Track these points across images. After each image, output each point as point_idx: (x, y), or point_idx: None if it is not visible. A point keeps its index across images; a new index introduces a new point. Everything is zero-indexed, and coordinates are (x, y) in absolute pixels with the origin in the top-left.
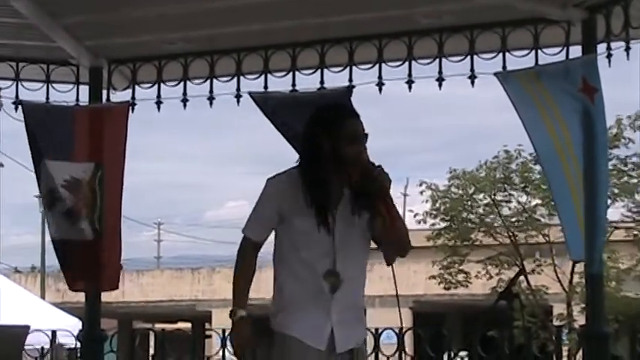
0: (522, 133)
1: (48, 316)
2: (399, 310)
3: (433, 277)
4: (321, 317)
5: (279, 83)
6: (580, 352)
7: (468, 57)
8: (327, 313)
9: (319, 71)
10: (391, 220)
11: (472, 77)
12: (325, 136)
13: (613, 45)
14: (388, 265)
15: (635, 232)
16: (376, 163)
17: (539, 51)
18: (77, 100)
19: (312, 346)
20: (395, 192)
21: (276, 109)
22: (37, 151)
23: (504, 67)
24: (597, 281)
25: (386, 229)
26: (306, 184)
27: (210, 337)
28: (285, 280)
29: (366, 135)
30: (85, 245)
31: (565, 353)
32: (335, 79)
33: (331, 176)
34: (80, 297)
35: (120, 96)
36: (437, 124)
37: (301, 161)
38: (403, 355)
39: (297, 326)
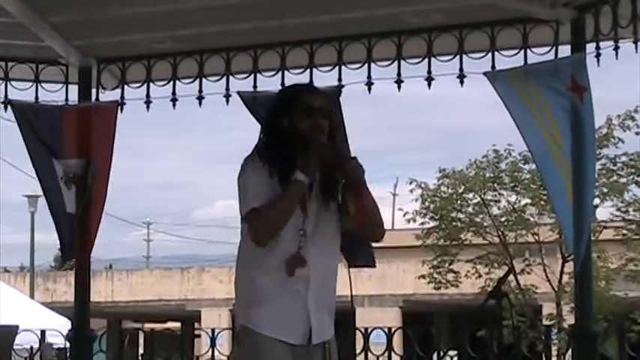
0: (512, 133)
1: (37, 316)
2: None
3: (423, 276)
4: (298, 305)
5: (269, 83)
6: (569, 352)
7: (457, 56)
8: (303, 300)
9: (308, 71)
10: (358, 214)
11: (461, 77)
12: (283, 112)
13: (602, 44)
14: (349, 266)
15: (624, 232)
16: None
17: (528, 50)
18: (66, 99)
19: (288, 341)
20: (384, 191)
21: (264, 108)
22: (32, 149)
23: (493, 66)
24: (586, 280)
25: (351, 220)
26: (268, 158)
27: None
28: (256, 269)
29: (326, 110)
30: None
31: (554, 352)
32: (324, 78)
33: (296, 154)
34: (69, 297)
35: (109, 95)
36: (426, 123)
37: (262, 141)
38: (392, 354)
39: (271, 322)
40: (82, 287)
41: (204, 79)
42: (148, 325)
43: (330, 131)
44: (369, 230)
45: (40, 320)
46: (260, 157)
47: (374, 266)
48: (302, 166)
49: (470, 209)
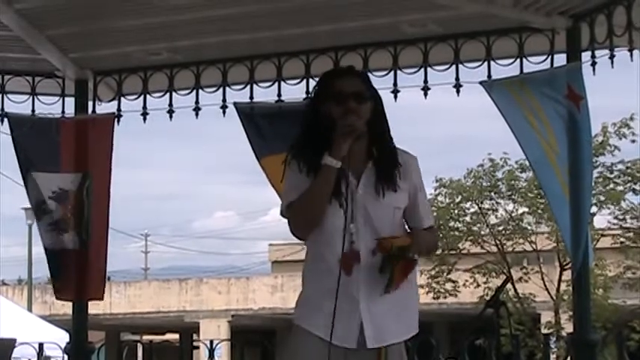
0: (508, 142)
1: (35, 329)
2: None
3: (421, 286)
4: (345, 306)
5: (265, 93)
6: None
7: (454, 66)
8: (351, 301)
9: (305, 81)
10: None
11: (457, 86)
12: (315, 100)
13: (597, 53)
14: None
15: (622, 240)
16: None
17: (524, 59)
18: (63, 112)
19: (335, 343)
20: None
21: (263, 118)
22: (24, 163)
23: (489, 75)
24: (584, 288)
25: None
26: (299, 151)
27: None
28: (306, 270)
29: (362, 95)
30: (71, 255)
31: None
32: None
33: (331, 144)
34: (67, 309)
35: (105, 107)
36: (422, 133)
37: (297, 135)
38: None
39: (311, 318)
40: (80, 300)
41: (200, 91)
42: (147, 337)
43: (373, 117)
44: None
45: (38, 333)
46: (292, 152)
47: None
48: (331, 150)
49: (467, 218)
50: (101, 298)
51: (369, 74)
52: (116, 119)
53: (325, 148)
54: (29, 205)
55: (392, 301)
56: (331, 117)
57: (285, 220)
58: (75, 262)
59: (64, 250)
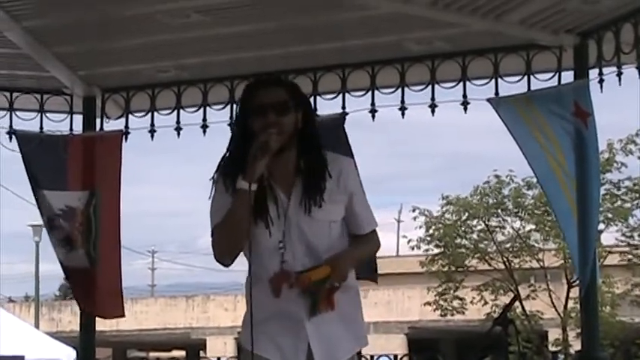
0: (515, 159)
1: (42, 346)
2: None
3: (428, 303)
4: (291, 326)
5: None
6: None
7: (461, 83)
8: (296, 321)
9: (312, 98)
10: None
11: (465, 103)
12: (242, 114)
13: (605, 70)
14: None
15: (630, 257)
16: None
17: (531, 76)
18: (71, 129)
19: None
20: (388, 217)
21: None
22: (34, 180)
23: (497, 92)
24: (592, 306)
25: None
26: (223, 169)
27: None
28: (246, 290)
29: (279, 104)
30: (83, 272)
31: None
32: (328, 106)
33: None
34: (74, 326)
35: (113, 124)
36: (430, 150)
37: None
38: None
39: (257, 340)
40: (87, 316)
41: (208, 108)
42: (153, 354)
43: (303, 126)
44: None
45: (45, 350)
46: (220, 169)
47: (375, 281)
48: (244, 173)
49: (474, 236)
50: (122, 315)
51: (377, 91)
52: (124, 136)
53: (241, 167)
54: (36, 222)
55: (336, 316)
56: (253, 131)
57: None
58: (87, 279)
59: (75, 267)
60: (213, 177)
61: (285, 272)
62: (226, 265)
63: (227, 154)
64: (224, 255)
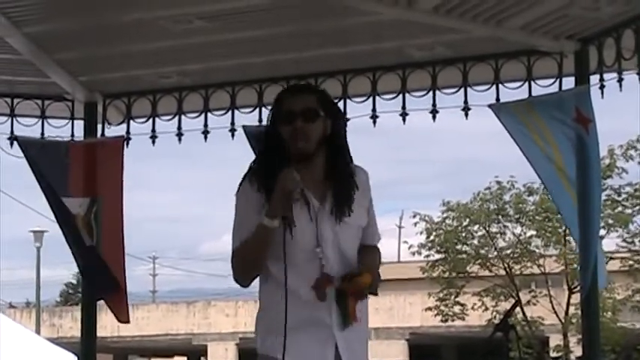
0: (517, 165)
1: (43, 352)
2: None
3: (429, 309)
4: (319, 334)
5: None
6: None
7: (462, 89)
8: (324, 328)
9: None
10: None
11: (466, 109)
12: (273, 120)
13: (606, 76)
14: None
15: (631, 263)
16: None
17: (532, 82)
18: (72, 135)
19: None
20: (390, 223)
21: None
22: (44, 185)
23: (498, 98)
24: (593, 311)
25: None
26: (257, 176)
27: None
28: (267, 297)
29: (307, 110)
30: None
31: None
32: None
33: (288, 166)
34: (75, 332)
35: (115, 130)
36: (431, 155)
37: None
38: None
39: (280, 347)
40: (89, 322)
41: (209, 114)
42: None
43: (332, 134)
44: None
45: (46, 356)
46: (251, 176)
47: (376, 294)
48: (268, 210)
49: (475, 242)
50: (127, 321)
51: (378, 97)
52: (125, 142)
53: (281, 170)
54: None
55: (358, 331)
56: (282, 137)
57: None
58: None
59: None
60: (241, 182)
61: (328, 276)
62: (244, 286)
63: (257, 160)
64: (240, 278)
